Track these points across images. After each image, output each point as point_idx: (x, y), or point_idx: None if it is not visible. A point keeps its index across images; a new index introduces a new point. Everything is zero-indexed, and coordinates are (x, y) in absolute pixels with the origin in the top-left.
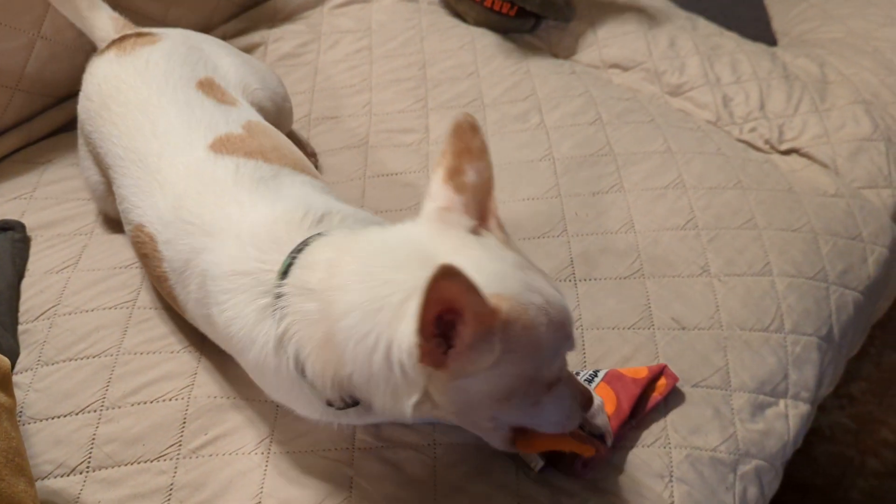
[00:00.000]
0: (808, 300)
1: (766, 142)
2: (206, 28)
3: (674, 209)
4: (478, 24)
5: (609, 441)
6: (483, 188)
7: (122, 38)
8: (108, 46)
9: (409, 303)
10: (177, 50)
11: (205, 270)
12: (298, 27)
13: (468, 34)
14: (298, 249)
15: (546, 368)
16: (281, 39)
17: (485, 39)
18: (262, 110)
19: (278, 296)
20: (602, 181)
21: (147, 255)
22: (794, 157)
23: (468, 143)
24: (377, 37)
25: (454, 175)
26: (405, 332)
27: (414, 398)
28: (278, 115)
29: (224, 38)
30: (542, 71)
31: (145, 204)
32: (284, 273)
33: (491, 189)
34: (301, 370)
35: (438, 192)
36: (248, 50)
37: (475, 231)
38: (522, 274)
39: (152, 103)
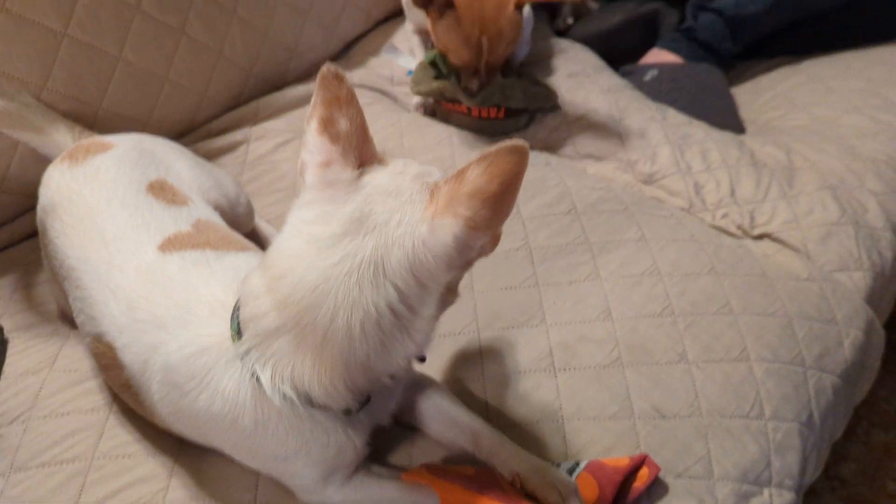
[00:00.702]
0: (787, 385)
1: (739, 227)
2: (189, 127)
3: (650, 296)
4: (474, 131)
5: None
6: (358, 134)
7: (76, 148)
8: (63, 157)
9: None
10: (128, 155)
11: (165, 364)
12: (279, 125)
13: (445, 130)
14: (237, 308)
15: None
16: (262, 137)
17: (462, 135)
18: (218, 209)
19: (245, 354)
20: (578, 270)
21: (107, 365)
22: (766, 242)
23: (336, 92)
24: None
25: (327, 125)
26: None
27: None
28: (234, 215)
29: (208, 136)
30: None
31: (100, 314)
32: (239, 333)
33: (366, 133)
34: (308, 401)
35: (315, 145)
36: (232, 147)
37: (357, 178)
38: None
39: (101, 211)
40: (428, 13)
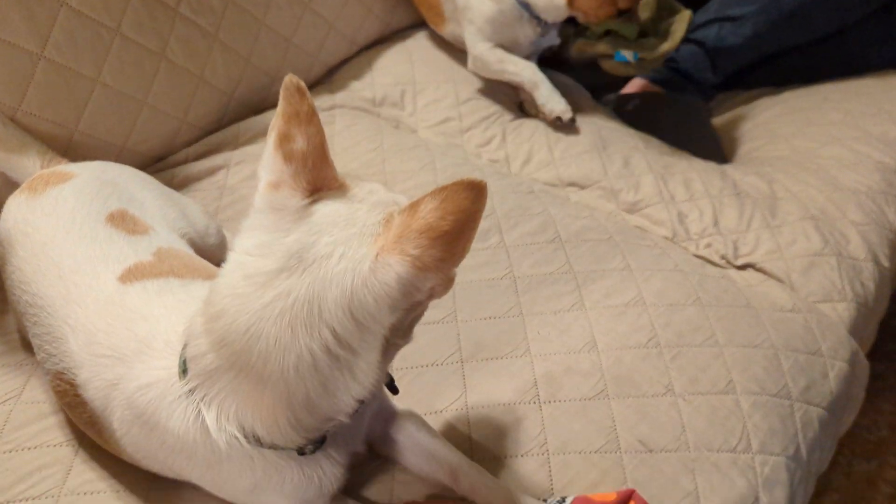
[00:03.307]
0: (774, 418)
1: (723, 257)
2: (168, 151)
3: (635, 327)
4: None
5: None
6: (315, 154)
7: (36, 178)
8: (22, 188)
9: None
10: (88, 186)
11: (128, 399)
12: (260, 149)
13: (428, 155)
14: (185, 344)
15: None
16: (243, 162)
17: (445, 160)
18: (187, 239)
19: (191, 392)
20: (563, 299)
21: (70, 403)
22: (749, 272)
23: (297, 107)
24: (339, 159)
25: (284, 141)
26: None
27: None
28: (204, 245)
29: (187, 161)
30: (501, 190)
31: (59, 351)
32: (184, 371)
33: (324, 154)
34: (256, 439)
35: (269, 161)
36: (212, 172)
37: (307, 205)
38: None
39: (58, 244)
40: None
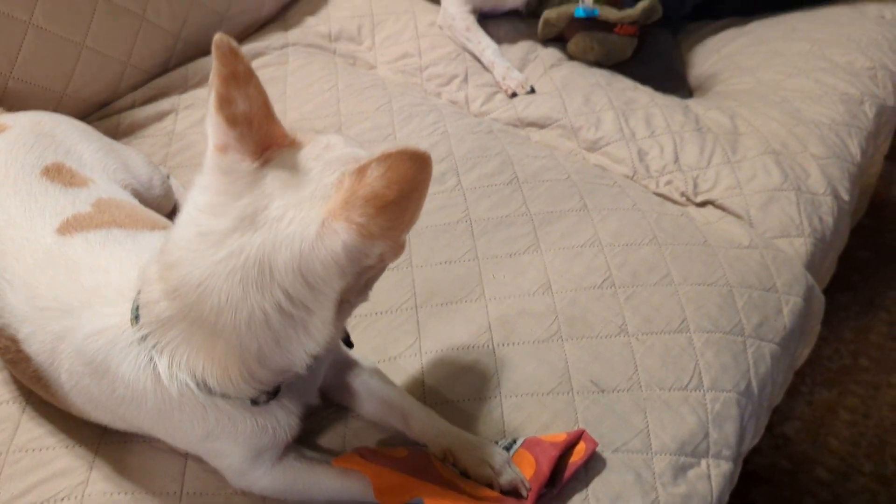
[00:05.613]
0: (726, 355)
1: (682, 194)
2: (112, 97)
3: (590, 268)
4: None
5: (524, 492)
6: (259, 115)
7: None
8: None
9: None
10: (21, 139)
11: (77, 349)
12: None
13: (385, 95)
14: (139, 292)
15: None
16: (192, 106)
17: (403, 100)
18: (130, 190)
19: (143, 339)
20: (519, 242)
21: (13, 360)
22: (709, 209)
23: (232, 67)
24: (292, 101)
25: (225, 105)
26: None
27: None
28: (149, 196)
29: (133, 105)
30: (459, 131)
31: None
32: (136, 317)
33: (269, 113)
34: (206, 388)
35: (213, 124)
36: (159, 117)
37: (258, 168)
38: None
39: None
40: None
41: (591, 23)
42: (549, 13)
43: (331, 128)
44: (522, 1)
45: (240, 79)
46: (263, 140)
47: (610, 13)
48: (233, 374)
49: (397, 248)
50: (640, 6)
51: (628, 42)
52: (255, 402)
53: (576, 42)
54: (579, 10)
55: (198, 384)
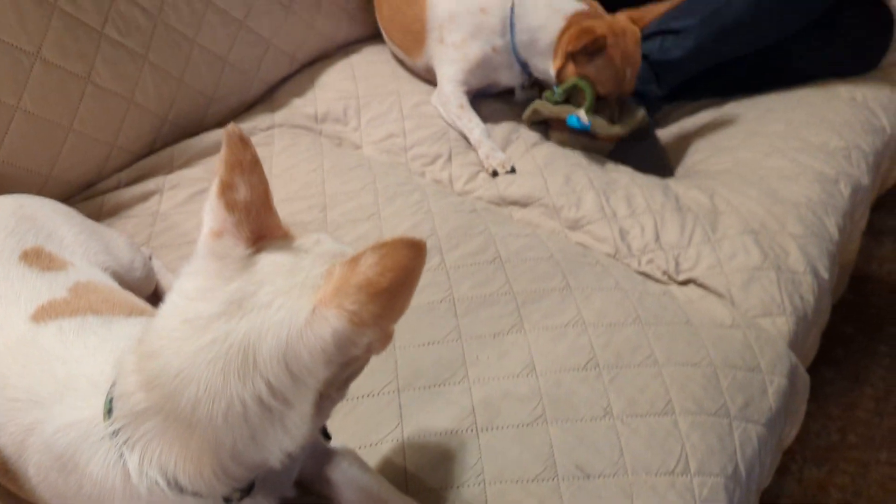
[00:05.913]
0: (712, 438)
1: (664, 273)
2: (97, 178)
3: (574, 348)
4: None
5: None
6: (258, 203)
7: None
8: None
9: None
10: (2, 223)
11: (45, 442)
12: (195, 173)
13: (370, 175)
14: (114, 384)
15: None
16: (177, 186)
17: (387, 179)
18: (110, 273)
19: (115, 434)
20: (502, 321)
21: None
22: (691, 288)
23: (239, 156)
24: (278, 180)
25: (227, 190)
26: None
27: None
28: (130, 279)
29: (118, 186)
30: (443, 210)
31: None
32: (110, 410)
33: (268, 203)
34: (177, 486)
35: (212, 207)
36: (144, 198)
37: (251, 255)
38: None
39: None
40: (575, 61)
41: (580, 131)
42: (541, 107)
43: (315, 208)
44: (518, 82)
45: (245, 167)
46: (259, 229)
47: (601, 128)
48: (205, 471)
49: (385, 339)
50: (630, 124)
51: (610, 145)
52: (227, 500)
53: (560, 139)
54: (573, 121)
55: (168, 482)
